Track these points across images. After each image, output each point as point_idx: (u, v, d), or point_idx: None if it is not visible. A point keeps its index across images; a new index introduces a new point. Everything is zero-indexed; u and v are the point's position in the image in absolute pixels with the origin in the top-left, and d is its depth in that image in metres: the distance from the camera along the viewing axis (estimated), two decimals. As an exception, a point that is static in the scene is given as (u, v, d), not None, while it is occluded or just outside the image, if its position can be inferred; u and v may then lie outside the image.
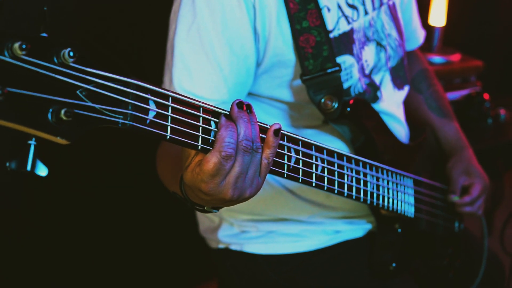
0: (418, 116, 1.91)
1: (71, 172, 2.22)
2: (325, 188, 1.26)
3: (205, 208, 1.11)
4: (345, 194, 1.31)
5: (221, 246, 1.71)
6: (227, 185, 1.00)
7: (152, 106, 0.94)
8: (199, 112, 1.01)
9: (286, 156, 1.15)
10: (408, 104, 1.91)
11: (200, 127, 1.00)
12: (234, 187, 1.01)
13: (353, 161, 1.34)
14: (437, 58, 2.86)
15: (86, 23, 2.15)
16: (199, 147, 0.99)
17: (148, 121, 0.94)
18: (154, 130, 0.94)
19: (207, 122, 1.01)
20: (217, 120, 1.01)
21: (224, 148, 0.97)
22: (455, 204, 1.74)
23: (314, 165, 1.21)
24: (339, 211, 1.63)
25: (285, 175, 1.15)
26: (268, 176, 1.56)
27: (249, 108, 1.03)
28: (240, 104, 1.02)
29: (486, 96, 2.75)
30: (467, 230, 2.03)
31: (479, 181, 1.75)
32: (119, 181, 2.40)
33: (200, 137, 1.00)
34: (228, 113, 1.02)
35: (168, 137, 0.96)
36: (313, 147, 1.21)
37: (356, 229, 1.67)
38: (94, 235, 2.39)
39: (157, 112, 0.95)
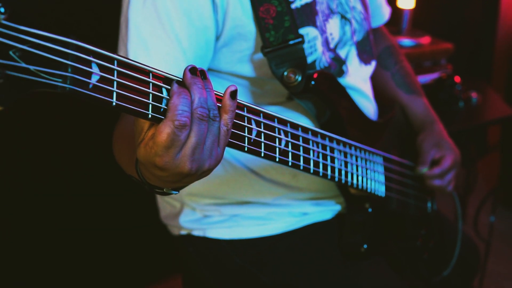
0: (386, 93, 1.85)
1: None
2: (290, 163, 1.18)
3: (164, 190, 1.03)
4: (311, 171, 1.23)
5: (183, 232, 1.62)
6: (184, 157, 0.92)
7: (95, 69, 0.85)
8: (149, 78, 0.92)
9: (246, 128, 1.06)
10: (375, 81, 1.84)
11: (150, 94, 0.91)
12: (191, 159, 0.93)
13: (319, 135, 1.26)
14: (406, 41, 2.80)
15: (44, 6, 2.06)
16: (150, 116, 0.91)
17: (91, 86, 0.84)
18: (98, 96, 0.85)
19: (158, 89, 0.93)
20: (169, 87, 0.93)
21: (177, 117, 0.89)
22: (424, 177, 1.68)
23: (277, 139, 1.13)
24: (306, 192, 1.56)
25: (246, 149, 1.06)
26: (230, 157, 1.50)
27: (203, 74, 0.95)
28: (193, 70, 0.94)
29: (457, 79, 2.70)
30: (440, 212, 1.98)
31: (450, 153, 1.69)
32: (70, 168, 2.30)
33: (150, 105, 0.91)
34: (180, 79, 0.94)
35: (114, 103, 0.86)
36: (276, 119, 1.13)
37: (325, 211, 1.60)
38: (47, 228, 2.30)
39: (101, 76, 0.85)
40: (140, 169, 1.02)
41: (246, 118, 1.07)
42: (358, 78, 1.59)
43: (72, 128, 2.27)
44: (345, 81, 1.52)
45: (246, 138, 1.07)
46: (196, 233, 1.59)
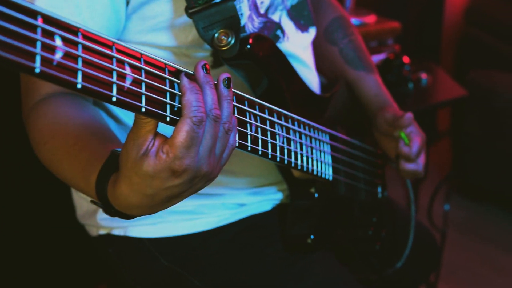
0: (334, 71, 1.66)
1: None
2: (236, 143, 1.00)
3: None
4: (249, 148, 1.04)
5: (102, 232, 1.41)
6: (203, 157, 0.88)
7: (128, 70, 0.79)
8: (165, 73, 0.86)
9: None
10: (322, 59, 1.65)
11: (168, 93, 0.87)
12: (208, 160, 0.89)
13: (257, 107, 1.07)
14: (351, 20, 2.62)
15: None
16: (168, 118, 0.86)
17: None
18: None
19: (171, 85, 0.87)
20: (178, 81, 0.87)
21: (194, 113, 0.84)
22: (402, 167, 1.49)
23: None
24: (241, 177, 1.35)
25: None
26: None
27: (207, 70, 0.90)
28: (205, 67, 0.89)
29: (405, 59, 2.53)
30: (392, 199, 1.80)
31: (416, 133, 1.49)
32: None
33: (168, 105, 0.86)
34: (187, 71, 0.88)
35: (143, 109, 0.82)
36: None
37: (264, 201, 1.40)
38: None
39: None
40: (114, 192, 0.92)
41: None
42: (296, 44, 1.39)
43: None
44: (282, 47, 1.32)
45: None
46: (116, 232, 1.38)
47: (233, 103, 1.01)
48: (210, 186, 1.33)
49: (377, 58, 2.58)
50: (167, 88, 0.85)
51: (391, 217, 1.73)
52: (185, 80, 0.86)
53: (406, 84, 2.52)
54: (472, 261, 3.07)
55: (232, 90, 1.01)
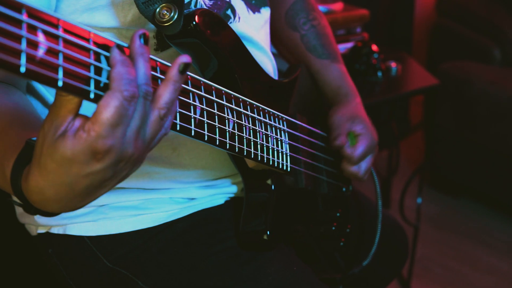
0: (296, 60, 1.55)
1: None
2: (178, 127, 0.90)
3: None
4: (192, 132, 0.93)
5: (41, 230, 1.28)
6: (129, 139, 0.77)
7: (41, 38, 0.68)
8: (89, 44, 0.74)
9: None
10: (284, 45, 1.55)
11: (92, 66, 0.74)
12: (135, 143, 0.78)
13: (202, 87, 0.96)
14: (317, 8, 2.52)
15: None
16: (92, 95, 0.74)
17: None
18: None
19: (97, 58, 0.75)
20: (108, 54, 0.75)
21: (125, 86, 0.74)
22: (342, 167, 1.40)
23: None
24: (191, 170, 1.24)
25: None
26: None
27: (146, 41, 0.79)
28: (144, 37, 0.78)
29: (374, 47, 2.44)
30: (359, 192, 1.70)
31: (363, 137, 1.39)
32: None
33: (93, 80, 0.75)
34: (120, 43, 0.77)
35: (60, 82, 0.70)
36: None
37: (217, 195, 1.29)
38: None
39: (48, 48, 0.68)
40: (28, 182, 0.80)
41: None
42: (248, 26, 1.28)
43: None
44: (233, 28, 1.21)
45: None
46: (55, 230, 1.25)
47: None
48: (157, 180, 1.23)
49: (344, 46, 2.48)
50: (92, 61, 0.74)
51: (358, 212, 1.63)
52: (115, 52, 0.75)
53: (375, 73, 2.43)
54: (446, 256, 3.00)
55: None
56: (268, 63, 1.35)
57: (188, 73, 0.93)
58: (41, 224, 1.27)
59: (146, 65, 0.77)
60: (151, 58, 0.85)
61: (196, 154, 1.22)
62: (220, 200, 1.29)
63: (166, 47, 1.14)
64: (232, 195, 1.31)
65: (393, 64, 2.51)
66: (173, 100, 0.80)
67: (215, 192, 1.28)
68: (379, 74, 2.43)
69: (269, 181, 1.21)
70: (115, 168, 0.79)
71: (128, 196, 1.22)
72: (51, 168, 0.76)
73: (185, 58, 0.81)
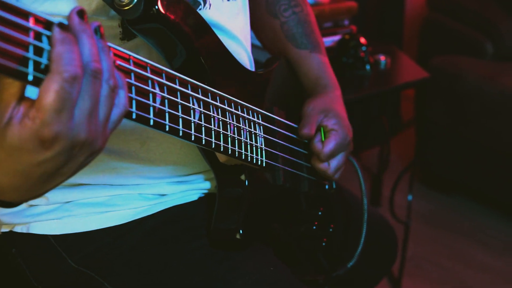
0: (276, 48, 1.47)
1: None
2: (134, 115, 0.83)
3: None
4: (151, 122, 0.86)
5: (4, 229, 1.21)
6: (80, 122, 0.71)
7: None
8: (28, 22, 0.67)
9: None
10: (264, 33, 1.48)
11: (31, 46, 0.68)
12: (89, 126, 0.72)
13: (163, 75, 0.90)
14: None
15: None
16: (32, 77, 0.68)
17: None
18: None
19: (38, 37, 0.69)
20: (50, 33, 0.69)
21: (65, 67, 0.68)
22: (312, 163, 1.30)
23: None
24: (161, 166, 1.17)
25: None
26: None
27: (82, 17, 0.73)
28: (81, 13, 0.72)
29: (362, 40, 2.38)
30: (344, 189, 1.63)
31: (337, 132, 1.28)
32: None
33: (32, 61, 0.68)
34: (62, 22, 0.71)
35: None
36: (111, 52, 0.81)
37: (190, 191, 1.22)
38: None
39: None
40: None
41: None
42: (220, 13, 1.21)
43: None
44: (203, 15, 1.14)
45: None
46: (18, 229, 1.19)
47: (132, 68, 0.84)
48: (125, 176, 1.16)
49: (332, 39, 2.42)
50: (31, 40, 0.67)
51: (343, 210, 1.56)
52: (56, 30, 0.69)
53: (363, 66, 2.37)
54: (438, 254, 2.94)
55: (134, 55, 0.84)
56: (243, 54, 1.28)
57: (149, 61, 0.87)
58: (5, 223, 1.20)
59: (91, 42, 0.72)
60: (124, 52, 0.82)
61: (166, 149, 1.16)
62: (193, 196, 1.23)
63: (132, 36, 1.07)
64: (206, 191, 1.24)
65: (382, 58, 2.45)
66: (111, 66, 0.75)
67: (188, 188, 1.22)
68: (368, 67, 2.37)
69: (242, 177, 1.14)
70: (69, 154, 0.73)
71: (94, 192, 1.15)
72: (1, 157, 0.72)
73: (94, 23, 0.75)
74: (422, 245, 2.99)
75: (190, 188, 1.22)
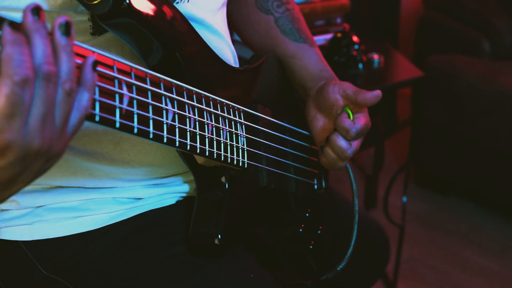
0: (269, 45, 1.40)
1: None
2: (97, 118, 0.78)
3: None
4: (117, 124, 0.81)
5: (-25, 235, 1.17)
6: (34, 129, 0.67)
7: None
8: None
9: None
10: (254, 30, 1.42)
11: None
12: (42, 129, 0.68)
13: (132, 74, 0.85)
14: (295, -3, 2.40)
15: None
16: None
17: None
18: None
19: None
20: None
21: (15, 70, 0.64)
22: (333, 140, 1.21)
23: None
24: (136, 167, 1.12)
25: None
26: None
27: (39, 15, 0.68)
28: (36, 11, 0.67)
29: (355, 38, 2.33)
30: (335, 191, 1.58)
31: (365, 115, 1.22)
32: None
33: None
34: (14, 21, 0.66)
35: None
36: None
37: (167, 195, 1.17)
38: None
39: None
40: None
41: None
42: (200, 7, 1.16)
43: None
44: (181, 9, 1.08)
45: None
46: (-12, 235, 1.14)
47: (99, 67, 0.79)
48: (98, 178, 1.10)
49: (324, 38, 2.38)
50: None
51: (333, 212, 1.51)
52: (6, 30, 0.65)
53: (355, 65, 2.31)
54: (434, 257, 2.89)
55: (96, 50, 0.79)
56: (226, 49, 1.23)
57: (117, 58, 0.82)
58: (-25, 229, 1.15)
59: (44, 42, 0.67)
60: (88, 49, 0.76)
61: (141, 149, 1.10)
62: (170, 200, 1.17)
63: (103, 31, 1.02)
64: (184, 195, 1.19)
65: (376, 56, 2.39)
66: (72, 68, 0.69)
67: (165, 192, 1.16)
68: (360, 66, 2.32)
69: (223, 179, 1.09)
70: (24, 163, 0.69)
71: (66, 196, 1.10)
72: None
73: (61, 18, 0.70)
74: (418, 247, 2.94)
75: (168, 192, 1.17)
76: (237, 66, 1.29)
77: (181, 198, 1.19)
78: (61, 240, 1.10)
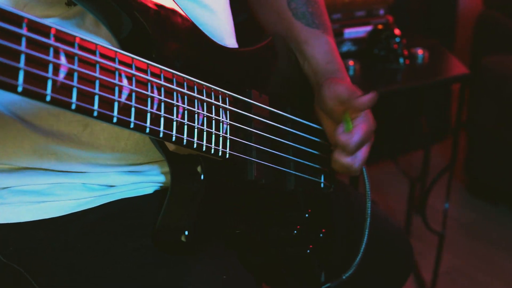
0: (281, 28, 1.29)
1: None
2: (73, 106, 0.73)
3: None
4: (93, 113, 0.75)
5: None
6: None
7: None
8: None
9: None
10: (266, 11, 1.31)
11: None
12: None
13: (97, 52, 0.76)
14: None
15: None
16: None
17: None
18: None
19: None
20: None
21: None
22: (335, 158, 1.12)
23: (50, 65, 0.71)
24: (108, 152, 1.02)
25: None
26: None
27: None
28: None
29: (396, 31, 2.19)
30: (349, 190, 1.46)
31: (363, 119, 1.11)
32: None
33: None
34: None
35: None
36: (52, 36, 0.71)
37: (143, 184, 1.07)
38: None
39: None
40: None
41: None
42: None
43: None
44: None
45: None
46: (-51, 218, 1.07)
47: (79, 51, 0.71)
48: (67, 162, 1.01)
49: (364, 30, 2.24)
50: None
51: (348, 215, 1.39)
52: None
53: (396, 59, 2.17)
54: (476, 269, 2.72)
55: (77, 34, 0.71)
56: (218, 26, 1.12)
57: (70, 31, 0.73)
58: None
59: None
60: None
61: (113, 133, 1.01)
62: (147, 189, 1.08)
63: (72, 4, 0.94)
64: (162, 185, 1.09)
65: (420, 51, 2.24)
66: None
67: (142, 180, 1.07)
68: (401, 60, 2.17)
69: (199, 169, 0.98)
70: None
71: (32, 178, 1.02)
72: None
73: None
74: (460, 257, 2.77)
75: (144, 180, 1.07)
76: (235, 46, 1.19)
77: (159, 188, 1.09)
78: (23, 226, 1.02)
